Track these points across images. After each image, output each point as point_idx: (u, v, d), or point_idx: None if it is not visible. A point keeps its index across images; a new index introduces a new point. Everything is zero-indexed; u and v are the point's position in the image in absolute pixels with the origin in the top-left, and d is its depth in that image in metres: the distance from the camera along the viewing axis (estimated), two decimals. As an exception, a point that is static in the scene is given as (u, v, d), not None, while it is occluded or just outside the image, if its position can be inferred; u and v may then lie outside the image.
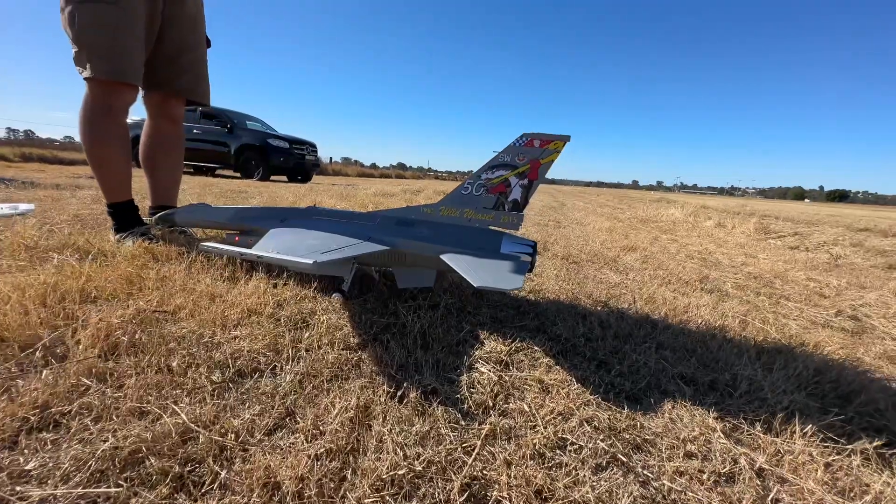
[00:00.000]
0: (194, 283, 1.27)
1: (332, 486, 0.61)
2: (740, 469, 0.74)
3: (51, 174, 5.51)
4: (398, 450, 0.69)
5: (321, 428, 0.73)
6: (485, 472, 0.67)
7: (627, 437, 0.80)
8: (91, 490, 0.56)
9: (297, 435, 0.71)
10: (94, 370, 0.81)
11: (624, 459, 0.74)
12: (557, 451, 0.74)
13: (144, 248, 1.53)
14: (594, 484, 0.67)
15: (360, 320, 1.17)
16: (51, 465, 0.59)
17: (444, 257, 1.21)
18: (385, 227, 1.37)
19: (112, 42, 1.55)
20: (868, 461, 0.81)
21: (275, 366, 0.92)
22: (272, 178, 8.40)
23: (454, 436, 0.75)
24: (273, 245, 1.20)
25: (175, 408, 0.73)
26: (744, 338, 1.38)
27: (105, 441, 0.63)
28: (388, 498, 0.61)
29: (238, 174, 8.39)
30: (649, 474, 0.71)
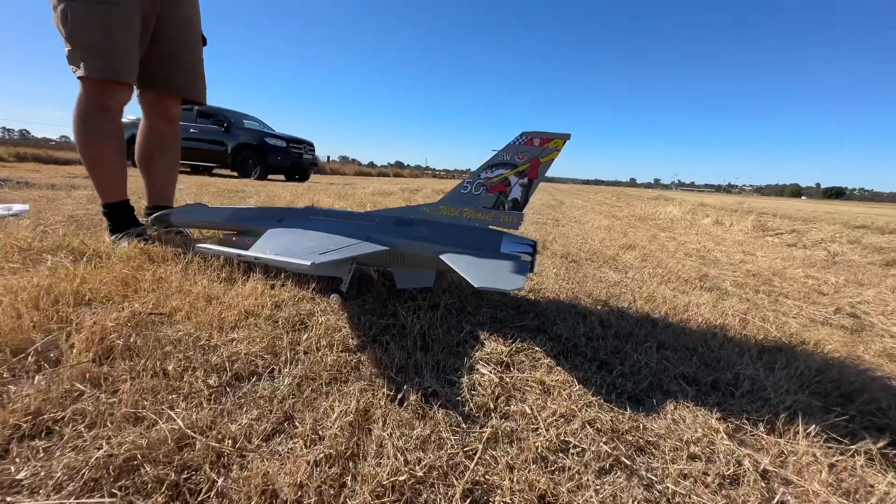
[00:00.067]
0: (191, 285, 1.25)
1: (332, 493, 0.60)
2: (744, 471, 0.74)
3: (46, 174, 5.46)
4: (399, 455, 0.67)
5: (320, 433, 0.72)
6: (487, 476, 0.67)
7: (630, 439, 0.79)
8: (84, 500, 0.55)
9: (296, 440, 0.69)
10: (88, 375, 0.80)
11: (627, 462, 0.73)
12: (560, 455, 0.73)
13: (140, 249, 1.51)
14: (598, 488, 0.66)
15: (358, 321, 1.16)
16: (43, 474, 0.57)
17: (443, 257, 1.20)
18: (384, 227, 1.36)
19: (106, 40, 1.53)
20: (872, 461, 0.80)
21: (273, 369, 0.91)
22: (269, 177, 8.36)
23: (455, 439, 0.74)
24: (270, 246, 1.19)
25: (171, 413, 0.71)
26: (744, 336, 1.38)
27: (99, 448, 0.62)
28: (388, 504, 0.59)
29: (235, 173, 8.34)
30: (653, 477, 0.71)
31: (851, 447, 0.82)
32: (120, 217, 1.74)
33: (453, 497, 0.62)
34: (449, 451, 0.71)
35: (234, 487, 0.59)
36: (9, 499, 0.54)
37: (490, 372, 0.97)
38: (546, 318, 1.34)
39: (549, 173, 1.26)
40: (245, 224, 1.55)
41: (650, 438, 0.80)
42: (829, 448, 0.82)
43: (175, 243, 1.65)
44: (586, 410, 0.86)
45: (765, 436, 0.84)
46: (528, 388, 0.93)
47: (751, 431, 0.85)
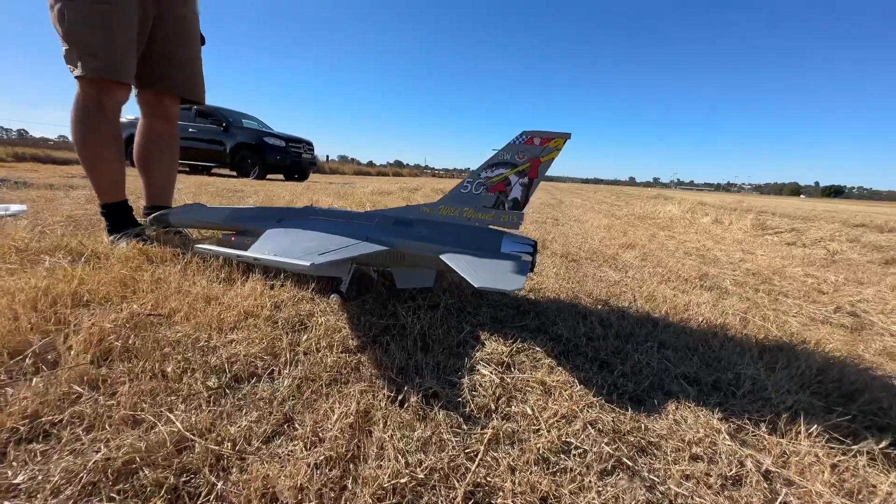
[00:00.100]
0: (190, 286, 1.24)
1: (333, 496, 0.60)
2: (747, 472, 0.73)
3: (44, 174, 5.44)
4: (399, 457, 0.67)
5: (320, 435, 0.71)
6: (488, 478, 0.66)
7: (632, 439, 0.79)
8: (83, 504, 0.54)
9: (296, 442, 0.69)
10: (86, 377, 0.79)
11: (629, 463, 0.73)
12: (562, 456, 0.73)
13: (139, 249, 1.50)
14: (600, 489, 0.66)
15: (358, 322, 1.16)
16: (40, 478, 0.57)
17: (443, 257, 1.19)
18: (383, 227, 1.35)
19: (103, 39, 1.51)
20: (874, 461, 0.80)
21: (272, 370, 0.90)
22: (268, 176, 8.35)
23: (456, 441, 0.73)
24: (269, 246, 1.18)
25: (170, 415, 0.71)
26: (745, 336, 1.38)
27: (97, 452, 0.61)
28: (389, 507, 0.59)
29: (234, 173, 8.32)
30: (655, 478, 0.70)
31: (853, 447, 0.82)
32: (118, 217, 1.73)
33: (455, 500, 0.62)
34: (450, 452, 0.70)
35: (233, 491, 0.59)
36: (6, 503, 0.53)
37: (491, 372, 0.97)
38: (546, 317, 1.33)
39: (547, 172, 1.26)
40: (244, 224, 1.55)
41: (652, 439, 0.80)
42: (831, 448, 0.82)
43: (174, 244, 1.64)
44: (588, 411, 0.86)
45: (767, 436, 0.83)
46: (529, 389, 0.93)
47: (753, 432, 0.85)
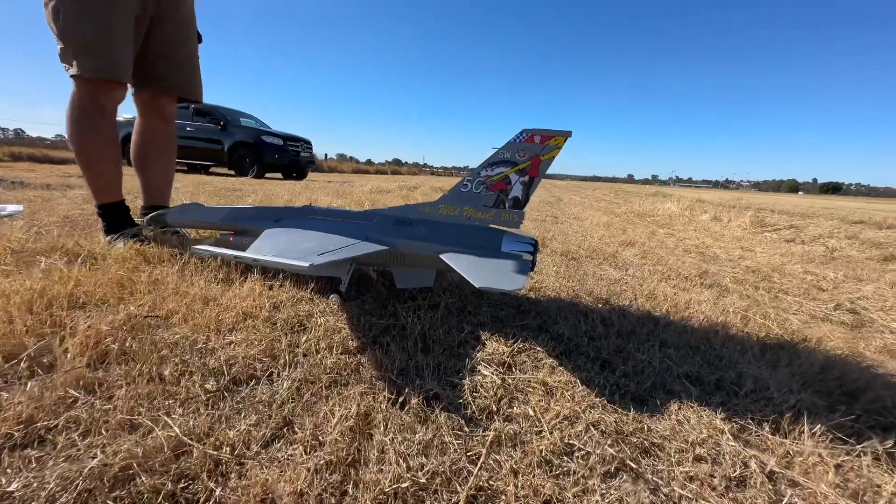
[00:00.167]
0: (187, 286, 1.23)
1: (333, 501, 0.59)
2: (751, 473, 0.73)
3: (41, 174, 5.40)
4: (401, 460, 0.66)
5: (320, 438, 0.70)
6: (491, 482, 0.65)
7: (635, 440, 0.78)
8: (78, 511, 0.53)
9: (296, 446, 0.68)
10: (82, 381, 0.78)
11: (633, 465, 0.72)
12: (565, 458, 0.72)
13: (136, 250, 1.49)
14: (604, 492, 0.65)
15: (358, 322, 1.15)
16: (35, 485, 0.56)
17: (443, 257, 1.18)
18: (383, 227, 1.34)
19: (99, 38, 1.50)
20: (878, 461, 0.80)
21: (271, 372, 0.89)
22: (267, 175, 8.31)
23: (458, 444, 0.73)
24: (268, 247, 1.17)
25: (167, 420, 0.70)
26: (746, 334, 1.37)
27: (93, 458, 0.60)
28: (391, 512, 0.58)
29: (232, 172, 8.29)
30: (659, 480, 0.70)
31: (857, 447, 0.81)
32: (115, 217, 1.71)
33: (457, 503, 0.61)
34: (452, 455, 0.69)
35: (232, 496, 0.58)
36: (0, 512, 0.53)
37: (492, 373, 0.96)
38: (547, 317, 1.33)
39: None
40: (242, 224, 1.53)
41: (655, 440, 0.79)
42: (835, 448, 0.81)
43: (171, 244, 1.63)
44: (590, 412, 0.85)
45: (770, 436, 0.83)
46: (531, 390, 0.92)
47: (756, 432, 0.85)
